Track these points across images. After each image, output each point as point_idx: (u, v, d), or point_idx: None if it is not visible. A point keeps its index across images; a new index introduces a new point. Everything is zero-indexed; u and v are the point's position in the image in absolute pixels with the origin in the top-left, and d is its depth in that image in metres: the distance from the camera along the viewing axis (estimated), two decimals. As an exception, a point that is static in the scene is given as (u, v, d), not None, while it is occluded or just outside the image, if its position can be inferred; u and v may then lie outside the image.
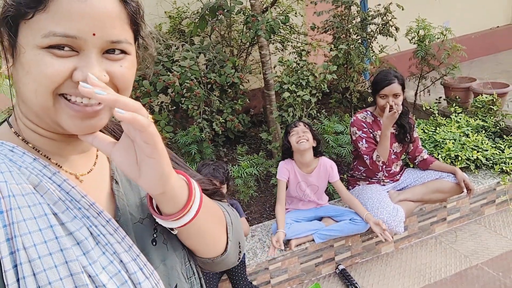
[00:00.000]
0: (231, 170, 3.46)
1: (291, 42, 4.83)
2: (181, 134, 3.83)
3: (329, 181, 2.86)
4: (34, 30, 0.64)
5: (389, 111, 2.71)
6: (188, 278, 0.83)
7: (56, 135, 0.73)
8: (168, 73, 3.84)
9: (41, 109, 0.67)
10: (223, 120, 3.93)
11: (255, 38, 3.97)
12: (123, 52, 0.70)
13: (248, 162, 3.65)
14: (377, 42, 4.47)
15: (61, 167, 0.74)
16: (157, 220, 0.78)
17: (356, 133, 2.91)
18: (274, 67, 4.04)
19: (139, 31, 0.76)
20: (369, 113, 2.97)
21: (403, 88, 2.81)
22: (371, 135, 2.90)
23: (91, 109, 0.67)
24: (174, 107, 4.17)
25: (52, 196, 0.68)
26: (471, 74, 4.96)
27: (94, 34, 0.65)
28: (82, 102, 0.66)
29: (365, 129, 2.89)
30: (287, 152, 2.85)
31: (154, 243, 0.80)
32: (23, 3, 0.63)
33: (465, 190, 2.89)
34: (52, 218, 0.66)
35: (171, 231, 0.82)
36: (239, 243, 0.95)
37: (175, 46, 4.20)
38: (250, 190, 3.51)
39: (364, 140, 2.89)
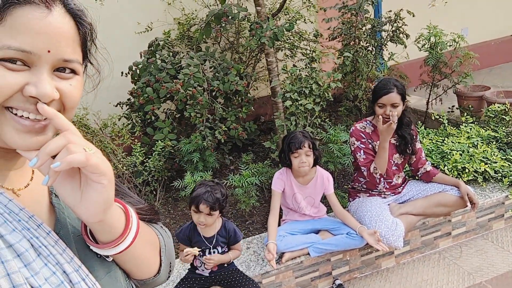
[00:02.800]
0: (231, 179, 3.42)
1: (301, 49, 4.78)
2: (184, 142, 3.82)
3: (324, 193, 2.79)
4: None
5: (384, 123, 2.62)
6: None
7: None
8: (172, 80, 3.84)
9: None
10: (226, 128, 3.90)
11: (261, 45, 3.94)
12: (72, 71, 0.71)
13: (250, 171, 3.60)
14: (386, 50, 4.38)
15: None
16: (92, 248, 0.78)
17: (354, 143, 2.84)
18: (278, 75, 3.99)
19: (87, 53, 0.79)
20: (368, 122, 2.89)
21: (403, 98, 2.72)
22: (370, 145, 2.82)
23: (39, 124, 0.68)
24: (179, 115, 4.17)
25: None
26: (490, 82, 4.81)
27: (49, 51, 0.66)
28: (29, 118, 0.67)
29: (363, 140, 2.81)
30: (285, 163, 2.79)
31: (98, 256, 0.80)
32: None
33: (469, 204, 2.78)
34: None
35: (106, 258, 0.82)
36: (170, 263, 0.98)
37: (182, 53, 4.21)
38: (251, 200, 3.46)
39: (362, 151, 2.81)
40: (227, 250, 2.40)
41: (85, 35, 0.74)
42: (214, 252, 2.36)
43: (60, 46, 0.67)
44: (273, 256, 2.49)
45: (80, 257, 0.76)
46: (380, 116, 2.63)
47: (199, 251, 2.22)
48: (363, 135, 2.82)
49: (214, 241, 2.35)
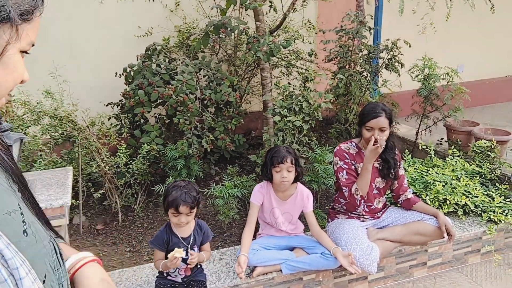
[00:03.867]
0: (213, 189, 3.40)
1: (296, 68, 4.82)
2: (170, 148, 3.81)
3: (303, 210, 2.78)
4: (20, 35, 0.76)
5: (373, 145, 2.64)
6: (55, 270, 0.85)
7: None
8: (165, 85, 3.85)
9: None
10: (214, 138, 3.90)
11: (258, 59, 3.98)
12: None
13: (233, 183, 3.58)
14: (381, 76, 4.42)
15: None
16: None
17: (337, 163, 2.84)
18: (271, 90, 4.01)
19: None
20: (353, 144, 2.90)
21: (391, 123, 2.74)
22: (353, 167, 2.82)
23: None
24: (169, 120, 4.17)
25: None
26: (481, 119, 4.85)
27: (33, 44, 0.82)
28: None
29: (347, 160, 2.82)
30: (266, 176, 2.78)
31: (25, 234, 0.81)
32: (24, 10, 0.77)
33: (445, 235, 2.77)
34: None
35: None
36: None
37: (179, 59, 4.23)
38: (231, 212, 3.43)
39: (344, 172, 2.81)
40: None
41: None
42: (192, 253, 2.36)
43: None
44: (242, 269, 2.46)
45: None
46: (372, 138, 2.64)
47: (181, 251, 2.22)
48: (346, 156, 2.83)
49: (191, 241, 2.36)
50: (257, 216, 2.76)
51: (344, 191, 2.81)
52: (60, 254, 0.89)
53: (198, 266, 2.46)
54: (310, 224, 2.76)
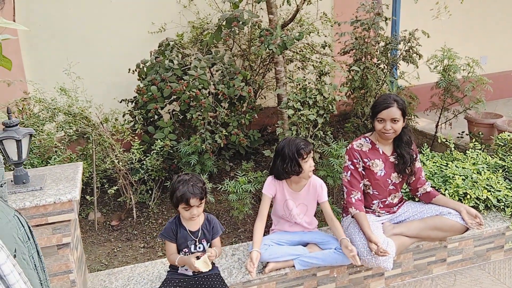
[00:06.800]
0: (227, 185, 3.36)
1: (312, 62, 4.74)
2: (184, 143, 3.78)
3: (318, 201, 2.71)
4: None
5: (383, 138, 2.63)
6: (25, 243, 0.85)
7: None
8: (178, 80, 3.82)
9: None
10: (227, 133, 3.85)
11: (272, 53, 3.91)
12: None
13: (247, 178, 3.52)
14: (398, 69, 4.31)
15: None
16: None
17: (346, 162, 2.77)
18: (285, 84, 3.94)
19: None
20: (367, 139, 2.81)
21: (404, 114, 2.64)
22: (361, 168, 2.75)
23: None
24: (182, 116, 4.14)
25: None
26: (505, 112, 4.69)
27: None
28: None
29: (355, 161, 2.74)
30: (296, 172, 2.61)
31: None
32: None
33: (471, 225, 2.65)
34: None
35: None
36: None
37: (192, 55, 4.21)
38: (245, 207, 3.38)
39: (349, 172, 2.75)
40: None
41: None
42: (200, 247, 2.34)
43: None
44: (254, 266, 2.40)
45: None
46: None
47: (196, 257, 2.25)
48: (357, 155, 2.74)
49: (199, 235, 2.34)
50: (268, 209, 2.70)
51: (344, 189, 2.77)
52: (29, 227, 0.88)
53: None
54: (325, 213, 2.71)
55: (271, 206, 2.79)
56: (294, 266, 2.61)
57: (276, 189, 2.70)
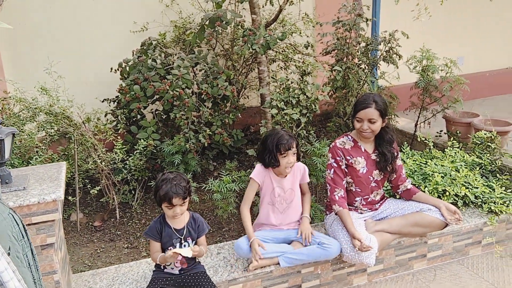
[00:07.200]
0: (211, 184, 3.37)
1: (294, 62, 4.78)
2: (167, 143, 3.78)
3: (300, 182, 2.80)
4: None
5: (362, 137, 2.74)
6: (19, 241, 0.86)
7: None
8: (161, 80, 3.81)
9: None
10: (211, 133, 3.86)
11: (255, 53, 3.94)
12: None
13: (231, 177, 3.54)
14: (379, 69, 4.38)
15: None
16: None
17: (329, 159, 2.82)
18: (268, 84, 3.97)
19: None
20: (350, 137, 2.86)
21: (382, 115, 2.69)
22: (343, 166, 2.80)
23: None
24: (166, 116, 4.14)
25: None
26: (481, 111, 4.81)
27: None
28: None
29: (338, 158, 2.79)
30: (274, 164, 2.68)
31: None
32: None
33: (450, 221, 2.72)
34: None
35: None
36: None
37: (175, 54, 4.20)
38: (229, 206, 3.40)
39: (332, 170, 2.80)
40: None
41: None
42: (185, 245, 2.35)
43: None
44: (259, 254, 2.53)
45: None
46: None
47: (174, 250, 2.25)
48: (340, 153, 2.79)
49: (184, 233, 2.35)
50: (254, 195, 2.77)
51: (327, 187, 2.82)
52: (23, 225, 0.88)
53: (196, 259, 2.44)
54: (302, 190, 2.84)
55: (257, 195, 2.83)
56: (279, 264, 2.64)
57: (264, 176, 2.74)
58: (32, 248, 0.91)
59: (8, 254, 0.81)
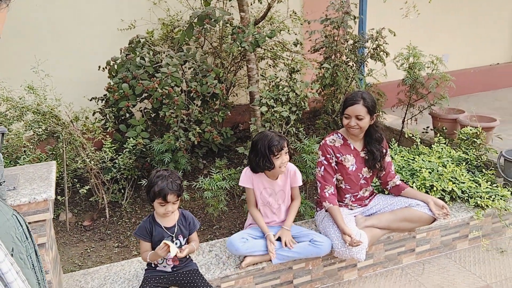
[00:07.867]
0: (202, 182, 3.37)
1: (283, 59, 4.80)
2: (157, 141, 3.77)
3: (291, 185, 2.81)
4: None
5: (349, 132, 2.77)
6: (23, 242, 0.88)
7: None
8: (150, 78, 3.80)
9: None
10: (201, 131, 3.86)
11: (243, 51, 3.94)
12: None
13: (221, 175, 3.55)
14: (366, 66, 4.42)
15: None
16: None
17: (319, 157, 2.85)
18: (257, 81, 3.99)
19: None
20: (339, 135, 2.89)
21: (370, 112, 2.72)
22: (333, 163, 2.83)
23: None
24: (155, 114, 4.12)
25: None
26: (466, 107, 4.89)
27: None
28: None
29: (328, 156, 2.81)
30: (269, 168, 2.68)
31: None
32: None
33: (438, 215, 2.77)
34: None
35: None
36: None
37: (163, 52, 4.18)
38: (220, 204, 3.41)
39: (322, 167, 2.82)
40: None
41: None
42: (176, 243, 2.35)
43: None
44: (275, 245, 2.63)
45: None
46: None
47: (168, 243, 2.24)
48: (330, 150, 2.82)
49: (175, 230, 2.36)
50: (254, 196, 2.79)
51: (317, 184, 2.85)
52: (27, 227, 0.88)
53: (188, 256, 2.45)
54: (292, 195, 2.85)
55: None
56: (271, 260, 2.66)
57: (253, 179, 2.75)
58: (36, 250, 0.92)
59: (12, 255, 0.82)
